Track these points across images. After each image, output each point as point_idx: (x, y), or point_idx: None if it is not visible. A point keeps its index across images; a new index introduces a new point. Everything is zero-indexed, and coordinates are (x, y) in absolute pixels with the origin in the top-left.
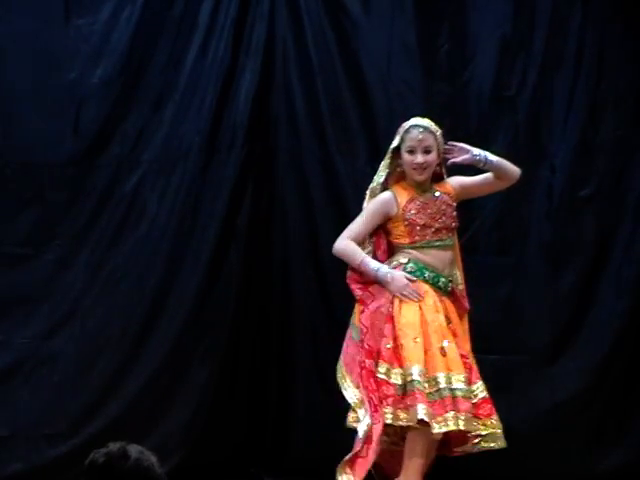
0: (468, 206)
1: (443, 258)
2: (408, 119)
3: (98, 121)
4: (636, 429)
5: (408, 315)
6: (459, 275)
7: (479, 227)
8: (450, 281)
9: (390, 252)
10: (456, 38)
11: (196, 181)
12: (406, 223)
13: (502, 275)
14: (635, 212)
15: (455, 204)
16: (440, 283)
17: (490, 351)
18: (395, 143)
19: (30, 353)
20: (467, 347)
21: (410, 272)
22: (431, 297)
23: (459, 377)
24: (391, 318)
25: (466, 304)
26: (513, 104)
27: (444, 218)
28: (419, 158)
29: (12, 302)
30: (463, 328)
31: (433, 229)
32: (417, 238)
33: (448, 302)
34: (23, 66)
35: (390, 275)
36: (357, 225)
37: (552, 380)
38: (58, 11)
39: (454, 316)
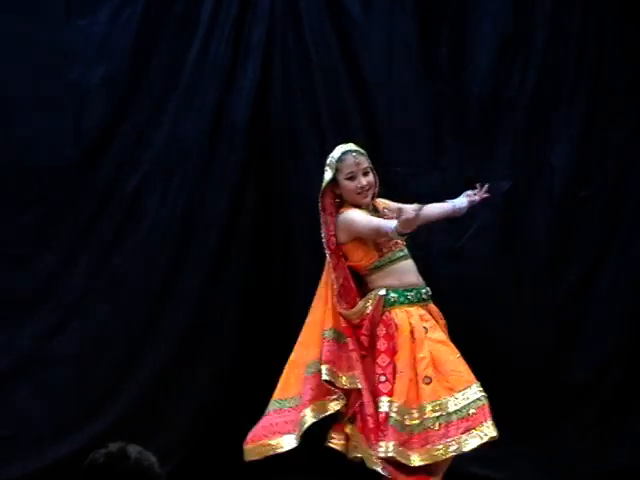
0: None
1: (411, 267)
2: (408, 119)
3: (99, 121)
4: (637, 429)
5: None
6: None
7: (479, 227)
8: (427, 287)
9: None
10: (456, 38)
11: (197, 181)
12: (365, 242)
13: (502, 275)
14: (635, 212)
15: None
16: (423, 296)
17: (490, 351)
18: (329, 176)
19: (30, 353)
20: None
21: (393, 302)
22: (413, 323)
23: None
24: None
25: None
26: (513, 104)
27: None
28: (362, 181)
29: (12, 302)
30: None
31: (392, 242)
32: (384, 252)
33: (433, 308)
34: (24, 66)
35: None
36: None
37: (552, 380)
38: (59, 11)
39: (440, 321)
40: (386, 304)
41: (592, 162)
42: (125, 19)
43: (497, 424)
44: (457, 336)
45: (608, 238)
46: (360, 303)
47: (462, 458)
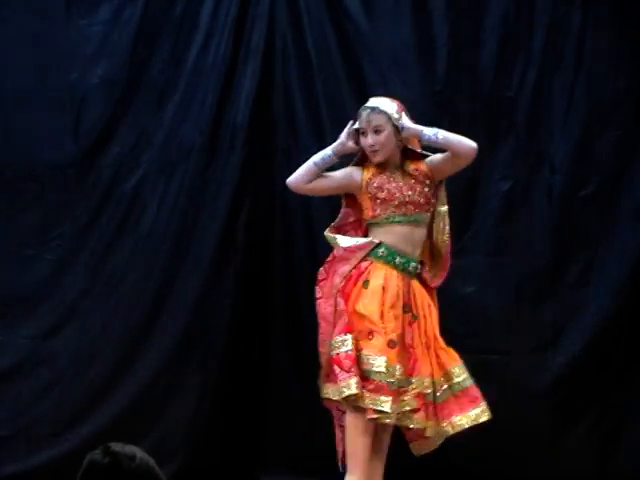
0: (468, 206)
1: (409, 236)
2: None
3: (99, 121)
4: (636, 427)
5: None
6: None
7: (479, 227)
8: (421, 263)
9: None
10: (456, 38)
11: (196, 181)
12: (369, 195)
13: (502, 275)
14: (635, 212)
15: (429, 180)
16: (410, 268)
17: (490, 351)
18: (356, 125)
19: (30, 353)
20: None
21: (381, 256)
22: (393, 287)
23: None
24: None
25: (433, 282)
26: (513, 104)
27: (410, 192)
28: (369, 140)
29: (12, 302)
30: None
31: (396, 202)
32: (378, 212)
33: (416, 285)
34: (24, 66)
35: (339, 142)
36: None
37: (552, 380)
38: (59, 11)
39: (421, 299)
40: (372, 254)
41: (592, 162)
42: (125, 19)
43: (492, 421)
44: (456, 335)
45: (608, 238)
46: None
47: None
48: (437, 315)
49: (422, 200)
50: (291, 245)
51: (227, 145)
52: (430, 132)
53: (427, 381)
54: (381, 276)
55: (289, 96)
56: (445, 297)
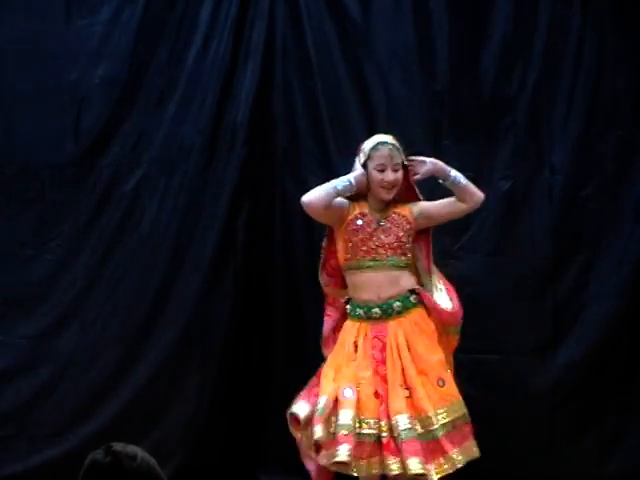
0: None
1: (378, 281)
2: (408, 119)
3: (99, 121)
4: (636, 429)
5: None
6: (433, 280)
7: (479, 227)
8: (397, 302)
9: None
10: (456, 38)
11: (196, 181)
12: (345, 237)
13: (502, 275)
14: (635, 212)
15: (409, 226)
16: (373, 314)
17: (490, 351)
18: (362, 160)
19: (30, 353)
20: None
21: (348, 313)
22: (350, 341)
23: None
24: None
25: (444, 311)
26: (513, 104)
27: (383, 237)
28: (390, 176)
29: (12, 302)
30: (427, 342)
31: (365, 248)
32: (349, 256)
33: (398, 322)
34: (24, 66)
35: (361, 173)
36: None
37: (552, 380)
38: (59, 11)
39: (402, 337)
40: (347, 313)
41: (592, 162)
42: (125, 19)
43: (492, 421)
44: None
45: (608, 238)
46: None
47: None
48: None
49: (395, 244)
50: (291, 245)
51: (227, 145)
52: (455, 174)
53: (399, 419)
54: (344, 331)
55: (289, 96)
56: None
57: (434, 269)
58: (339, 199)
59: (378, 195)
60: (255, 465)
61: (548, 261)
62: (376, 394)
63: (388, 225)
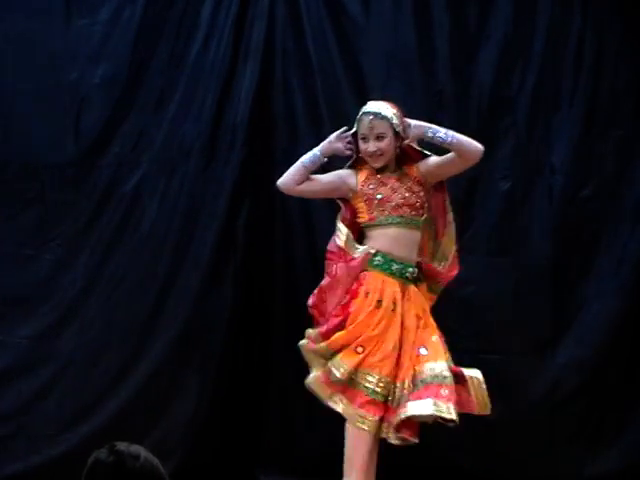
0: (468, 206)
1: (406, 239)
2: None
3: (99, 121)
4: (635, 429)
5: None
6: (447, 247)
7: (479, 227)
8: (417, 268)
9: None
10: (456, 38)
11: (196, 181)
12: (365, 198)
13: (502, 275)
14: (635, 212)
15: (421, 186)
16: (407, 274)
17: (490, 351)
18: (353, 129)
19: (30, 353)
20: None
21: (377, 265)
22: (389, 297)
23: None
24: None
25: (448, 273)
26: (513, 104)
27: (407, 194)
28: (371, 146)
29: (12, 302)
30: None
31: (393, 204)
32: (375, 214)
33: (413, 290)
34: (24, 66)
35: (327, 142)
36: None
37: (552, 380)
38: (59, 12)
39: (415, 307)
40: (369, 263)
41: (592, 162)
42: (125, 19)
43: (492, 422)
44: (456, 336)
45: (608, 238)
46: (354, 242)
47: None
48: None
49: (418, 203)
50: (291, 244)
51: (227, 144)
52: (442, 131)
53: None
54: (378, 287)
55: (289, 95)
56: (445, 297)
57: (451, 220)
58: (339, 171)
59: (369, 163)
60: (254, 464)
61: (548, 261)
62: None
63: (408, 184)
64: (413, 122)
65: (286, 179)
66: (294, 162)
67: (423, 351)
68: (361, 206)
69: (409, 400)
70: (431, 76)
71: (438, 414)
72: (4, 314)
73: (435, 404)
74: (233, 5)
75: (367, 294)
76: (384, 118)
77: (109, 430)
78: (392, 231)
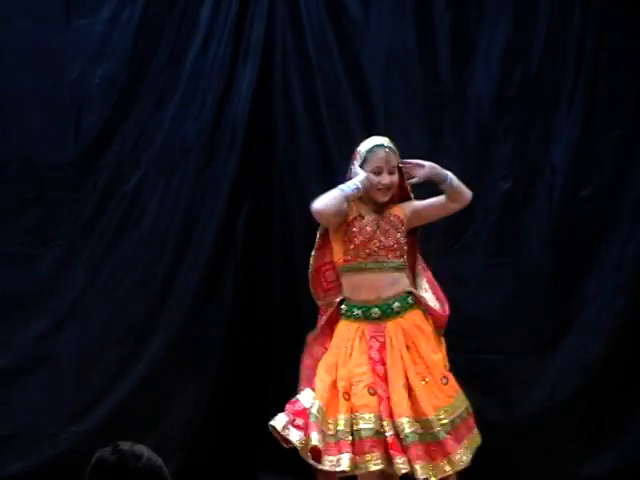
0: (468, 206)
1: (380, 282)
2: (408, 119)
3: (99, 121)
4: (635, 429)
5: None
6: (418, 281)
7: (479, 227)
8: (396, 302)
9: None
10: (456, 38)
11: (196, 181)
12: (345, 239)
13: (502, 275)
14: (635, 212)
15: (403, 227)
16: (373, 314)
17: (490, 351)
18: (358, 163)
19: (30, 353)
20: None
21: (343, 313)
22: (345, 340)
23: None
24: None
25: (435, 310)
26: (513, 104)
27: (383, 238)
28: (386, 179)
29: (12, 302)
30: (427, 342)
31: (367, 250)
32: (349, 257)
33: (397, 322)
34: (24, 66)
35: (359, 182)
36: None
37: (552, 380)
38: (59, 11)
39: (403, 338)
40: (341, 312)
41: (592, 162)
42: (125, 19)
43: (492, 422)
44: (456, 336)
45: (608, 238)
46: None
47: None
48: (440, 349)
49: (395, 246)
50: (290, 244)
51: (227, 144)
52: (448, 173)
53: (404, 421)
54: (338, 332)
55: (289, 95)
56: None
57: (420, 270)
58: None
59: (374, 197)
60: (254, 465)
61: (548, 261)
62: (374, 392)
63: (387, 227)
64: (427, 163)
65: (325, 207)
66: (294, 162)
67: (444, 381)
68: (337, 246)
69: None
70: (431, 76)
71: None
72: (4, 314)
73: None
74: (233, 5)
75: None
76: (394, 152)
77: (109, 430)
78: (364, 276)
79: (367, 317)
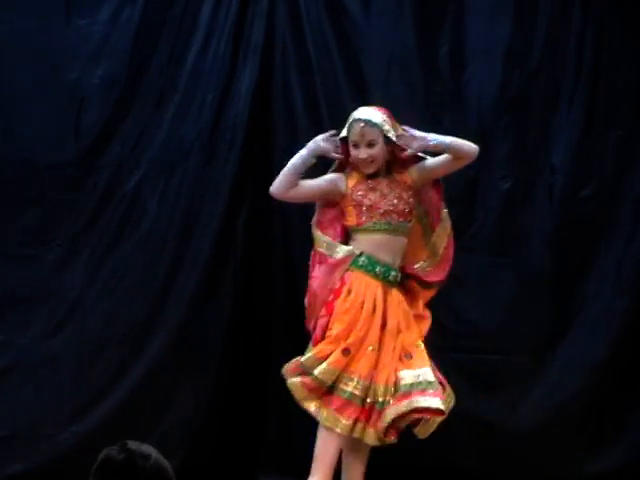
0: (468, 206)
1: (391, 245)
2: (408, 119)
3: (99, 121)
4: (636, 429)
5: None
6: (438, 241)
7: (479, 227)
8: (397, 272)
9: (335, 230)
10: (456, 38)
11: (196, 181)
12: (354, 203)
13: (502, 275)
14: (635, 212)
15: (411, 191)
16: (390, 277)
17: (490, 351)
18: (343, 134)
19: (30, 353)
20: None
21: (361, 265)
22: (371, 299)
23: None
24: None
25: (434, 277)
26: (513, 104)
27: (395, 201)
28: (362, 153)
29: (12, 302)
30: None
31: (381, 210)
32: (364, 219)
33: (395, 294)
34: (24, 66)
35: (313, 142)
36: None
37: (552, 380)
38: (59, 11)
39: (397, 310)
40: (353, 264)
41: (592, 162)
42: (125, 19)
43: (492, 422)
44: (456, 336)
45: (608, 238)
46: (335, 244)
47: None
48: (423, 325)
49: (406, 209)
50: (290, 244)
51: (227, 144)
52: (441, 138)
53: (380, 388)
54: (361, 288)
55: (289, 95)
56: (445, 297)
57: (446, 215)
58: (328, 175)
59: (361, 169)
60: (254, 465)
61: (548, 261)
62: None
63: (398, 190)
64: (417, 134)
65: (277, 185)
66: None
67: (407, 357)
68: (349, 210)
69: (392, 405)
70: (431, 76)
71: (415, 405)
72: (4, 314)
73: (411, 402)
74: (233, 5)
75: (349, 292)
76: (375, 125)
77: (109, 430)
78: (378, 236)
79: (385, 278)
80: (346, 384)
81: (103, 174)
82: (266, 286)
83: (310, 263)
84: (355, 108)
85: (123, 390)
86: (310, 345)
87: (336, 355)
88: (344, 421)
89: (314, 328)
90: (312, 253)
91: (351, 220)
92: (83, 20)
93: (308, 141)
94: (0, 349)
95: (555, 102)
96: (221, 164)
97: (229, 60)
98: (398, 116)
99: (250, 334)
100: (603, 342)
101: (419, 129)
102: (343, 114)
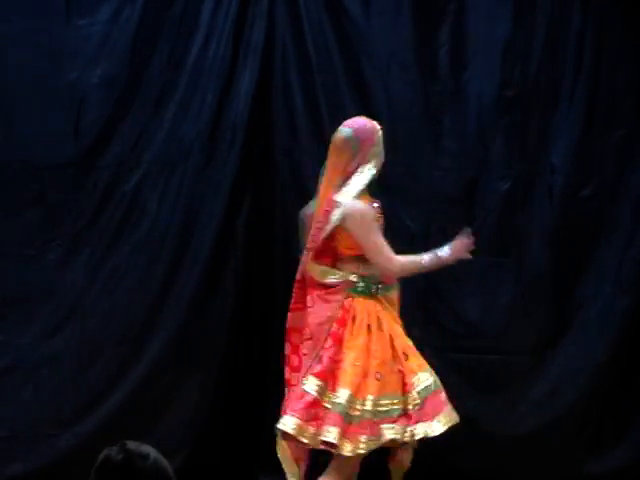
0: (468, 206)
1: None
2: (408, 119)
3: (99, 121)
4: (636, 429)
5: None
6: None
7: (479, 227)
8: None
9: (328, 256)
10: (456, 38)
11: (196, 181)
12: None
13: (502, 275)
14: (635, 212)
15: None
16: (387, 293)
17: (490, 351)
18: (377, 148)
19: (30, 353)
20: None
21: (360, 292)
22: (374, 318)
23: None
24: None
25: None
26: (513, 104)
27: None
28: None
29: (12, 302)
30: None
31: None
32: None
33: (383, 301)
34: (24, 66)
35: (449, 251)
36: (382, 242)
37: (552, 380)
38: (59, 11)
39: (389, 316)
40: (352, 290)
41: (592, 162)
42: (125, 19)
43: (492, 422)
44: (456, 335)
45: (608, 238)
46: (329, 269)
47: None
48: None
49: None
50: (291, 244)
51: (227, 144)
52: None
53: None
54: (364, 312)
55: (289, 95)
56: (445, 297)
57: None
58: (376, 226)
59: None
60: (254, 465)
61: (548, 261)
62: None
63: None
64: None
65: (404, 274)
66: (294, 162)
67: (411, 360)
68: (348, 239)
69: (420, 421)
70: (431, 75)
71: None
72: (4, 314)
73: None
74: (233, 5)
75: (354, 319)
76: None
77: (109, 430)
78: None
79: (377, 292)
80: (388, 404)
81: (103, 174)
82: (266, 286)
83: (294, 291)
84: (355, 108)
85: (123, 390)
86: (310, 376)
87: (371, 381)
88: (369, 439)
89: (319, 360)
90: (296, 284)
91: (353, 250)
92: (83, 20)
93: (308, 141)
94: (0, 349)
95: (555, 102)
96: (221, 164)
97: (229, 60)
98: (398, 116)
99: (250, 334)
100: (603, 342)
101: (419, 129)
102: (343, 114)
